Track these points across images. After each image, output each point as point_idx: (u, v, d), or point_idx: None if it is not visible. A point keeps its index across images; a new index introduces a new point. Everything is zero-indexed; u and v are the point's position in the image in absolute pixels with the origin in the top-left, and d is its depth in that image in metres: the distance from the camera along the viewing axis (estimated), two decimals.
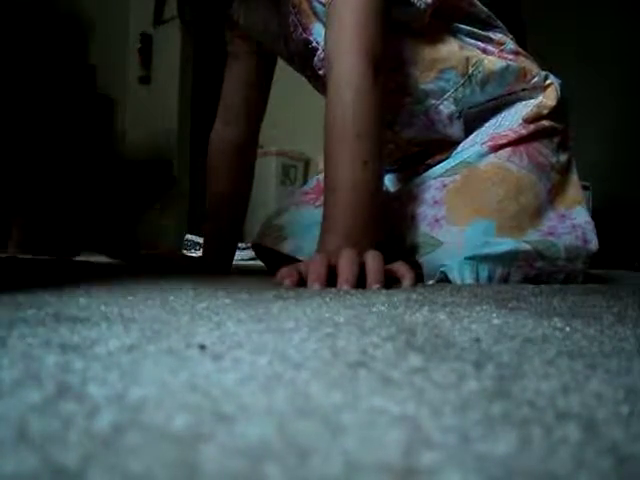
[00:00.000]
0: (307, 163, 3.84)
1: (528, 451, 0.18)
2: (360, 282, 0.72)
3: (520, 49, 1.16)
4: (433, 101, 1.12)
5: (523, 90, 1.13)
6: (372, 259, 0.75)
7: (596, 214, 1.22)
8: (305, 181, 3.68)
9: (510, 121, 1.12)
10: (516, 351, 0.32)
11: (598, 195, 2.69)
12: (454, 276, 0.97)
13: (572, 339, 0.36)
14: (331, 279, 0.73)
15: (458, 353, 0.31)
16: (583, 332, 0.38)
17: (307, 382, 0.25)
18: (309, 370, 0.27)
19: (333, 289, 0.70)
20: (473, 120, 1.14)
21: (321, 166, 1.08)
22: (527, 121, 1.11)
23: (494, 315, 0.46)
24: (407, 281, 0.78)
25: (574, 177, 1.14)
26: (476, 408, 0.22)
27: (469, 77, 1.09)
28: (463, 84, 1.10)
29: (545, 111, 1.12)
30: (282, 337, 0.35)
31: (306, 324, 0.39)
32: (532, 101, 1.13)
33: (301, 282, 0.75)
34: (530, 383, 0.25)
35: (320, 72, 1.12)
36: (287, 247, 1.19)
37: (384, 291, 0.68)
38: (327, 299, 0.56)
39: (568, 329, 0.39)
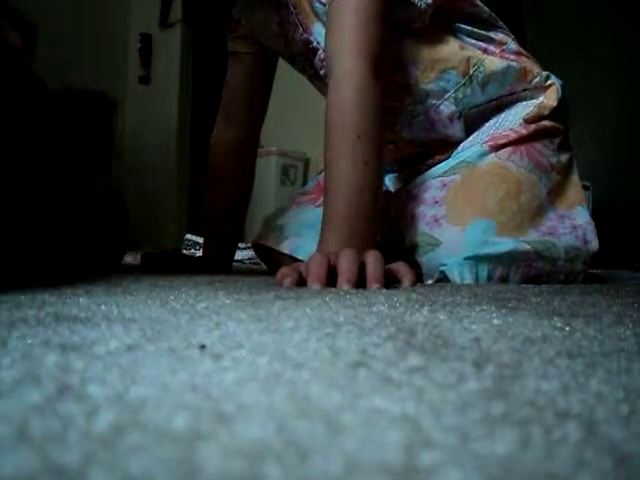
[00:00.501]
0: (307, 163, 3.84)
1: (528, 451, 0.18)
2: (360, 282, 0.72)
3: (522, 49, 1.16)
4: (434, 101, 1.12)
5: (524, 90, 1.13)
6: (372, 259, 0.75)
7: (596, 214, 1.22)
8: (305, 181, 3.69)
9: (511, 121, 1.12)
10: (516, 351, 0.32)
11: (598, 195, 2.68)
12: (454, 276, 0.97)
13: (572, 339, 0.36)
14: (331, 279, 0.73)
15: (458, 353, 0.31)
16: (583, 332, 0.38)
17: (307, 382, 0.25)
18: (309, 370, 0.27)
19: (333, 289, 0.70)
20: (474, 120, 1.14)
21: (322, 166, 1.09)
22: (528, 121, 1.11)
23: (494, 315, 0.46)
24: (407, 281, 0.78)
25: (575, 177, 1.14)
26: (476, 408, 0.22)
27: (470, 77, 1.09)
28: (464, 84, 1.10)
29: (546, 111, 1.12)
30: (282, 337, 0.35)
31: (306, 324, 0.39)
32: (533, 101, 1.13)
33: (301, 282, 0.75)
34: (530, 383, 0.25)
35: (321, 72, 1.12)
36: (287, 247, 1.19)
37: (384, 291, 0.68)
38: (327, 299, 0.56)
39: (568, 329, 0.39)
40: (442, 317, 0.44)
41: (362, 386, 0.24)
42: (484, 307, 0.52)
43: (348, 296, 0.60)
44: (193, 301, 0.54)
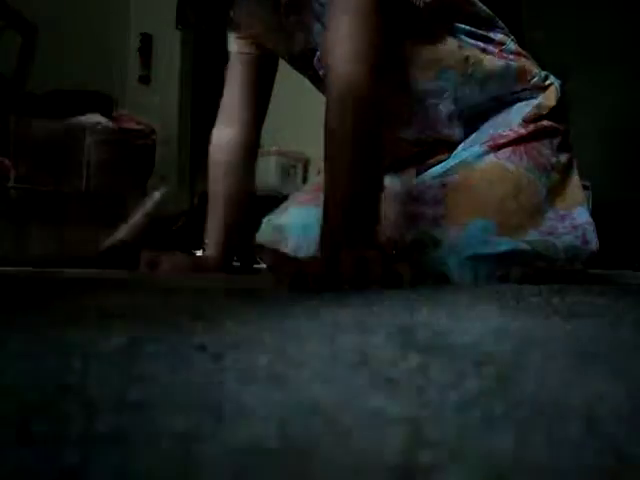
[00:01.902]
0: (307, 163, 3.83)
1: (528, 451, 0.18)
2: (360, 282, 0.72)
3: (520, 49, 1.16)
4: (433, 101, 1.12)
5: (523, 90, 1.13)
6: (372, 259, 0.75)
7: (596, 214, 1.21)
8: (305, 181, 3.68)
9: (510, 121, 1.12)
10: (516, 350, 0.32)
11: (598, 195, 2.68)
12: (454, 275, 0.97)
13: (572, 338, 0.36)
14: (331, 279, 0.72)
15: (458, 352, 0.31)
16: (583, 331, 0.38)
17: (307, 382, 0.25)
18: (309, 370, 0.27)
19: (334, 289, 0.70)
20: (473, 120, 1.14)
21: (322, 165, 1.09)
22: (527, 121, 1.11)
23: (494, 315, 0.46)
24: (407, 281, 0.77)
25: (575, 177, 1.13)
26: (476, 407, 0.22)
27: (469, 77, 1.09)
28: (462, 84, 1.10)
29: (545, 111, 1.11)
30: (282, 337, 0.35)
31: (306, 324, 0.39)
32: (532, 101, 1.13)
33: (302, 282, 0.75)
34: (530, 382, 0.25)
35: (320, 73, 1.12)
36: (288, 246, 1.19)
37: (384, 291, 0.68)
38: (327, 299, 0.56)
39: (568, 328, 0.39)
40: (442, 317, 0.44)
41: (362, 386, 0.24)
42: (484, 307, 0.52)
43: (348, 296, 0.60)
44: (193, 300, 0.54)
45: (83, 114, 1.67)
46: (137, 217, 1.47)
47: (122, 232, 1.43)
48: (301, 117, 3.38)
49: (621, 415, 0.21)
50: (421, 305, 0.52)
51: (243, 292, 0.65)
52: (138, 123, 1.68)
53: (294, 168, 3.79)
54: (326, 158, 0.88)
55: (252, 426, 0.19)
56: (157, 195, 1.54)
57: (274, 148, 3.60)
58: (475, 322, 0.42)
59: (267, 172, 3.53)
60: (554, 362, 0.29)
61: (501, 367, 0.28)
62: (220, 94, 1.35)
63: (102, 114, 1.70)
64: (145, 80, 4.00)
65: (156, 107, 3.90)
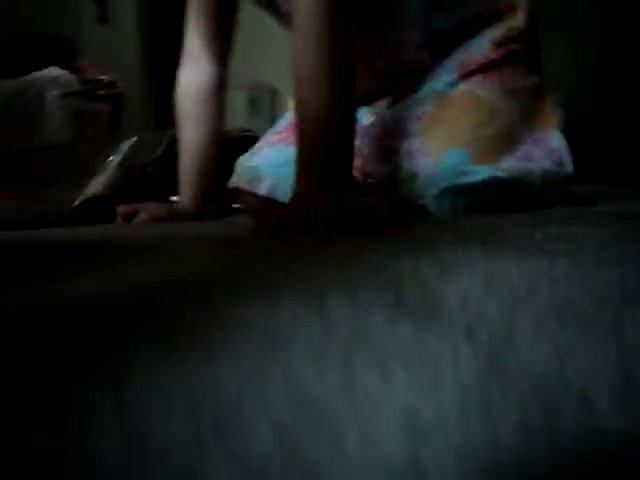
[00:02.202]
0: (274, 94, 3.78)
1: (529, 439, 0.17)
2: (340, 226, 0.71)
3: None
4: (400, 27, 1.09)
5: (491, 12, 1.11)
6: (349, 200, 0.74)
7: (570, 127, 1.20)
8: (273, 112, 3.64)
9: (479, 46, 1.10)
10: (506, 309, 0.31)
11: (571, 106, 2.66)
12: (432, 208, 0.97)
13: (560, 288, 0.35)
14: (311, 226, 0.72)
15: (448, 319, 0.30)
16: (569, 276, 0.38)
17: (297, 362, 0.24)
18: (300, 349, 0.26)
19: (314, 236, 0.69)
20: (443, 47, 1.12)
21: (291, 104, 1.06)
22: (496, 45, 1.09)
23: (479, 259, 0.45)
24: (384, 217, 0.76)
25: (547, 99, 1.12)
26: (474, 388, 0.21)
27: (436, 0, 1.07)
28: (430, 8, 1.07)
29: (514, 33, 1.10)
30: (269, 307, 0.34)
31: (290, 290, 0.39)
32: (501, 24, 1.11)
33: (281, 231, 0.74)
34: (523, 351, 0.25)
35: (284, 9, 1.09)
36: (263, 188, 1.18)
37: (365, 234, 0.68)
38: (308, 245, 0.56)
39: (554, 274, 0.39)
40: (427, 266, 0.44)
41: (358, 366, 0.24)
42: (467, 248, 0.51)
43: (330, 242, 0.60)
44: (174, 267, 0.53)
45: (42, 68, 1.61)
46: (108, 170, 1.44)
47: (94, 187, 1.40)
48: (265, 48, 3.32)
49: (616, 394, 0.21)
50: (404, 251, 0.52)
51: (220, 241, 0.64)
52: (102, 72, 1.64)
53: (261, 100, 3.75)
54: (295, 92, 0.86)
55: None
56: (127, 145, 1.50)
57: (239, 81, 3.54)
58: (461, 271, 0.41)
59: (234, 106, 3.48)
60: (544, 323, 0.29)
61: (493, 335, 0.27)
62: (181, 28, 1.31)
63: (62, 66, 1.64)
64: (102, 19, 3.89)
65: (116, 47, 3.80)
